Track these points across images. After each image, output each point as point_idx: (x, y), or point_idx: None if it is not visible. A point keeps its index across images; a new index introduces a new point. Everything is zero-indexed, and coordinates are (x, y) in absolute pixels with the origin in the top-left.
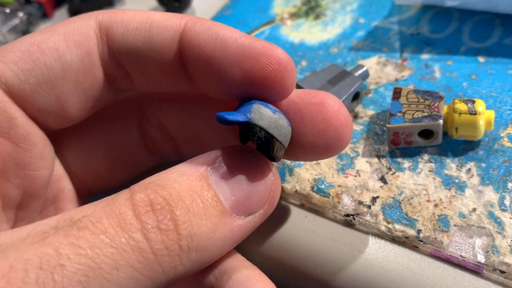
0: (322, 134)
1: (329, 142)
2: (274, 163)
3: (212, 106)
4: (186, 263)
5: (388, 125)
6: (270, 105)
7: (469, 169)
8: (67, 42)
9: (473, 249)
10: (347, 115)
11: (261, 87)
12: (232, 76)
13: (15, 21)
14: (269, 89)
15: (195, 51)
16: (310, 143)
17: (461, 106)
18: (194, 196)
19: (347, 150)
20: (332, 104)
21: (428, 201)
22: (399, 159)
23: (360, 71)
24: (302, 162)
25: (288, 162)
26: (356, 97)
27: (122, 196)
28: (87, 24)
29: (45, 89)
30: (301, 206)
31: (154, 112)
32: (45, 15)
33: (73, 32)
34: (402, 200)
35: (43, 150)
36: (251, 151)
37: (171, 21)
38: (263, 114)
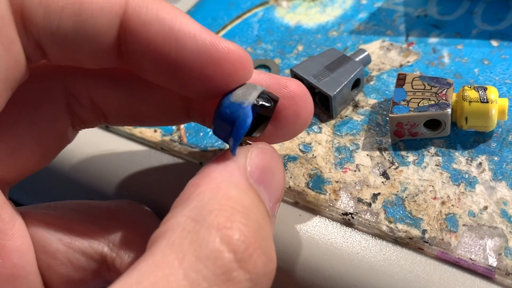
0: (292, 126)
1: (296, 132)
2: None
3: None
4: None
5: (390, 115)
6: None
7: (480, 163)
8: None
9: (484, 251)
10: (310, 102)
11: (222, 88)
12: (188, 78)
13: None
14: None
15: (141, 44)
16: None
17: (472, 94)
18: (259, 222)
19: (346, 142)
20: (303, 98)
21: (435, 198)
22: (403, 152)
23: (361, 56)
24: (296, 156)
25: (281, 156)
26: (356, 84)
27: (210, 243)
28: None
29: None
30: (295, 204)
31: (86, 92)
32: None
33: None
34: (406, 197)
35: None
36: (267, 147)
37: (106, 2)
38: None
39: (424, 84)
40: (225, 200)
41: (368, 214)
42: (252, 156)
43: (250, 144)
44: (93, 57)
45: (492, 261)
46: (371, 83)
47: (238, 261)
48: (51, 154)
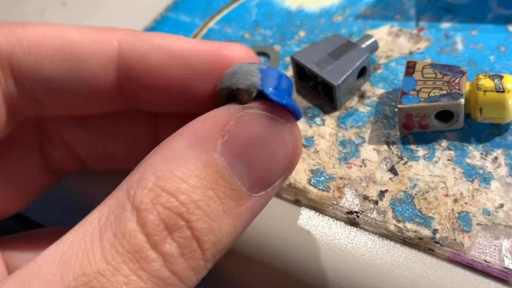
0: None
1: None
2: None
3: (130, 122)
4: (211, 266)
5: (399, 106)
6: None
7: (496, 158)
8: None
9: (500, 252)
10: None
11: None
12: (202, 91)
13: None
14: None
15: (147, 76)
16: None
17: (487, 83)
18: (209, 195)
19: (351, 136)
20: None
21: (446, 195)
22: (412, 146)
23: (367, 43)
24: None
25: None
26: (362, 73)
27: (128, 223)
28: None
29: None
30: (296, 202)
31: (57, 132)
32: None
33: None
34: (416, 194)
35: None
36: (270, 117)
37: (98, 44)
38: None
39: (435, 73)
40: (163, 176)
41: (374, 212)
42: (235, 122)
43: (246, 104)
44: (93, 102)
45: (509, 263)
46: (379, 71)
47: (150, 242)
48: (25, 198)
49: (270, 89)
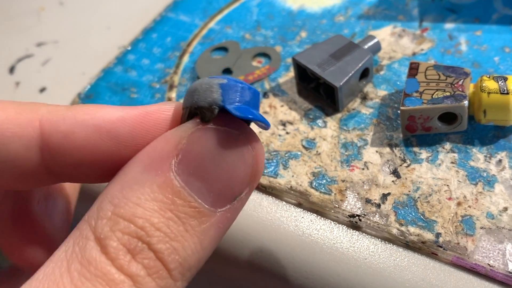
0: None
1: None
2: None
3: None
4: (183, 284)
5: (402, 108)
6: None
7: (500, 160)
8: None
9: (504, 256)
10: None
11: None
12: (127, 157)
13: None
14: None
15: (73, 153)
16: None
17: (491, 84)
18: (168, 216)
19: (353, 138)
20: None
21: (450, 198)
22: (416, 149)
23: (370, 43)
24: (299, 153)
25: (282, 153)
26: (365, 74)
27: (93, 251)
28: None
29: None
30: (298, 205)
31: None
32: None
33: None
34: (418, 197)
35: None
36: (223, 131)
37: (19, 126)
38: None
39: (438, 74)
40: (119, 203)
41: (377, 216)
42: (187, 140)
43: (208, 122)
44: (18, 182)
45: None
46: (381, 73)
47: (116, 266)
48: None
49: (232, 104)
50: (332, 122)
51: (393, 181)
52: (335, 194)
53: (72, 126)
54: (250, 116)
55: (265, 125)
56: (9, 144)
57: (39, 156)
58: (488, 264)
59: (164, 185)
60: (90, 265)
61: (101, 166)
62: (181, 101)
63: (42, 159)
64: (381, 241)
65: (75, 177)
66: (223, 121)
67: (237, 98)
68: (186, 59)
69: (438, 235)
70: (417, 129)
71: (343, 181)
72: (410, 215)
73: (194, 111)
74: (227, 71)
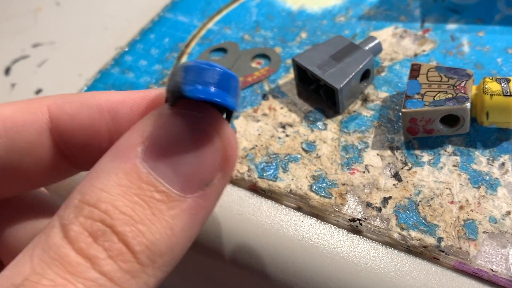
0: None
1: None
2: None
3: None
4: (156, 272)
5: (403, 110)
6: (228, 70)
7: (503, 164)
8: None
9: (507, 261)
10: None
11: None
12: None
13: None
14: None
15: (78, 134)
16: None
17: (493, 86)
18: (134, 200)
19: (354, 140)
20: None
21: (452, 202)
22: (417, 152)
23: (371, 44)
24: (298, 156)
25: (281, 155)
26: (366, 75)
27: (55, 237)
28: None
29: None
30: (297, 209)
31: None
32: None
33: None
34: (420, 201)
35: None
36: (184, 114)
37: (30, 114)
38: (238, 90)
39: (440, 76)
40: (86, 192)
41: (378, 220)
42: (152, 127)
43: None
44: (38, 173)
45: None
46: (382, 74)
47: (75, 249)
48: None
49: (191, 85)
50: (332, 125)
51: (394, 184)
52: (335, 197)
53: (78, 108)
54: (201, 96)
55: (226, 104)
56: (23, 132)
57: (51, 140)
58: (491, 269)
59: (130, 171)
60: (50, 250)
61: (106, 147)
62: None
63: (54, 143)
64: (382, 246)
65: (85, 160)
66: (189, 104)
67: (198, 80)
68: (184, 60)
69: (440, 239)
70: (419, 132)
71: (343, 184)
72: (412, 219)
73: (166, 96)
74: None
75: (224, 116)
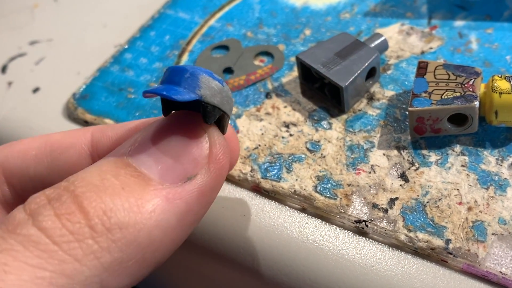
0: None
1: None
2: None
3: None
4: (111, 246)
5: (410, 109)
6: (214, 74)
7: None
8: None
9: None
10: None
11: None
12: None
13: None
14: None
15: None
16: None
17: (502, 84)
18: (106, 176)
19: (359, 140)
20: None
21: (460, 203)
22: (424, 151)
23: (377, 42)
24: (302, 156)
25: (285, 155)
26: (371, 73)
27: (19, 208)
28: None
29: None
30: (302, 210)
31: None
32: None
33: None
34: (427, 202)
35: None
36: (170, 116)
37: (74, 137)
38: (214, 89)
39: (448, 74)
40: (70, 179)
41: (384, 221)
42: (143, 129)
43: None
44: None
45: None
46: (388, 72)
47: (24, 210)
48: None
49: (159, 85)
50: (337, 124)
51: (401, 185)
52: (340, 198)
53: (118, 130)
54: (147, 93)
55: (167, 95)
56: (65, 153)
57: (90, 162)
58: (500, 271)
59: (112, 161)
60: (6, 219)
61: None
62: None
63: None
64: (389, 248)
65: None
66: (181, 112)
67: (165, 80)
68: (185, 58)
69: (448, 241)
70: (426, 131)
71: (349, 185)
72: (419, 221)
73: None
74: (228, 70)
75: (217, 117)
